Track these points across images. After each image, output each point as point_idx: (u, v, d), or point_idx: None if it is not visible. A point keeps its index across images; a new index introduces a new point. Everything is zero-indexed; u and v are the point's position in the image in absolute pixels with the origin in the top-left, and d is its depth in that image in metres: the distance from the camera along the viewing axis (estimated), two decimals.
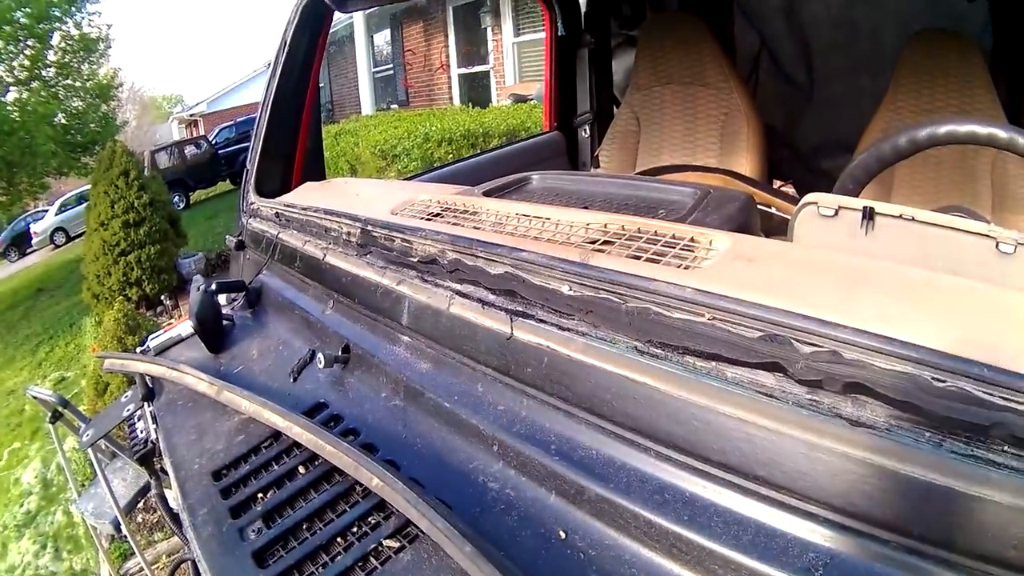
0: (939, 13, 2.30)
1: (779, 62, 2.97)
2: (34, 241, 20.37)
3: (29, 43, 12.34)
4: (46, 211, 21.06)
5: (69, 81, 13.46)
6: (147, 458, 1.40)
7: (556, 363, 0.87)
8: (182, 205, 16.33)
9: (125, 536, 1.63)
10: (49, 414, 1.47)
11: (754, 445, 0.68)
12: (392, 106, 15.35)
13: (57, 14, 12.62)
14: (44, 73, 12.98)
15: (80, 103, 13.76)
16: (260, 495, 0.97)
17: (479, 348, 0.98)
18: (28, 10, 11.64)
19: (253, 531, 0.90)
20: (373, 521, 0.87)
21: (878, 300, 0.70)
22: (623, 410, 0.79)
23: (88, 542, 4.50)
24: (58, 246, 19.91)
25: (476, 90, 13.38)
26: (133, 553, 3.78)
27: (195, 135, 24.13)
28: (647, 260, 0.87)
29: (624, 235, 0.97)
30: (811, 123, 2.87)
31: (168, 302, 7.02)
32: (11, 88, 12.52)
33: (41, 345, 9.21)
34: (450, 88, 14.05)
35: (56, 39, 13.03)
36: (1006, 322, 0.66)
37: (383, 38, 16.60)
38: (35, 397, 1.53)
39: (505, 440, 0.89)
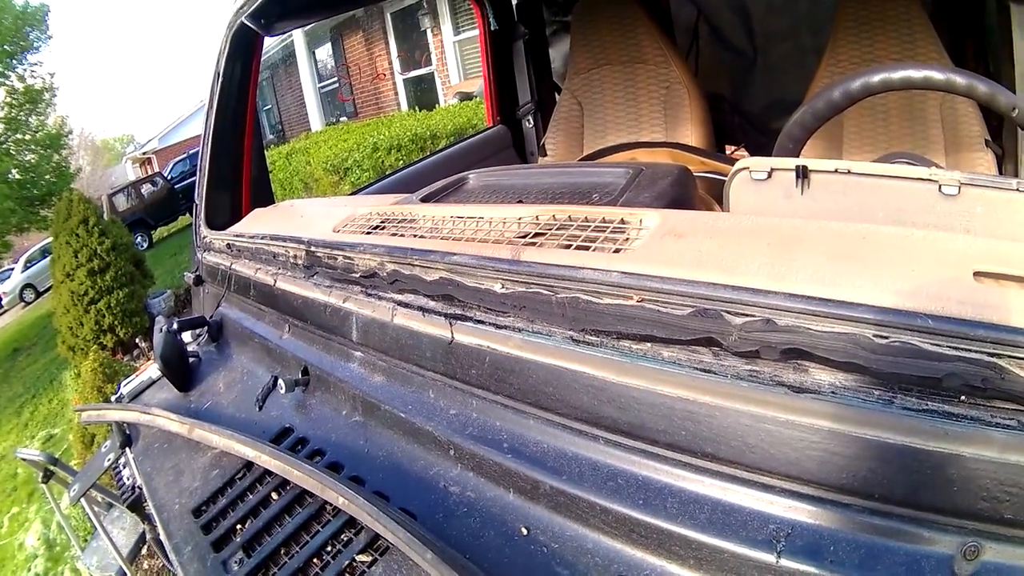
0: None
1: (718, 30, 2.98)
2: (3, 301, 19.74)
3: None
4: (12, 269, 20.50)
5: (19, 136, 13.30)
6: (137, 503, 1.40)
7: (498, 362, 0.88)
8: (145, 244, 16.16)
9: None
10: (40, 474, 1.47)
11: (699, 423, 0.69)
12: (341, 119, 15.35)
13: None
14: None
15: (32, 156, 13.61)
16: (239, 526, 0.99)
17: (425, 356, 0.99)
18: None
19: (235, 562, 0.92)
20: (345, 538, 0.88)
21: (812, 261, 0.70)
22: (567, 401, 0.80)
23: None
24: (28, 303, 19.34)
25: (422, 93, 13.45)
26: None
27: (150, 173, 23.80)
28: (577, 248, 0.88)
29: (555, 225, 0.98)
30: (758, 87, 2.89)
31: (144, 344, 6.94)
32: None
33: (25, 405, 9.05)
34: (396, 94, 14.11)
35: (1, 95, 12.89)
36: (949, 267, 0.65)
37: (325, 52, 16.62)
38: (24, 459, 1.52)
39: (460, 443, 0.90)
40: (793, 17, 2.65)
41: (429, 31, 12.60)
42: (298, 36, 15.31)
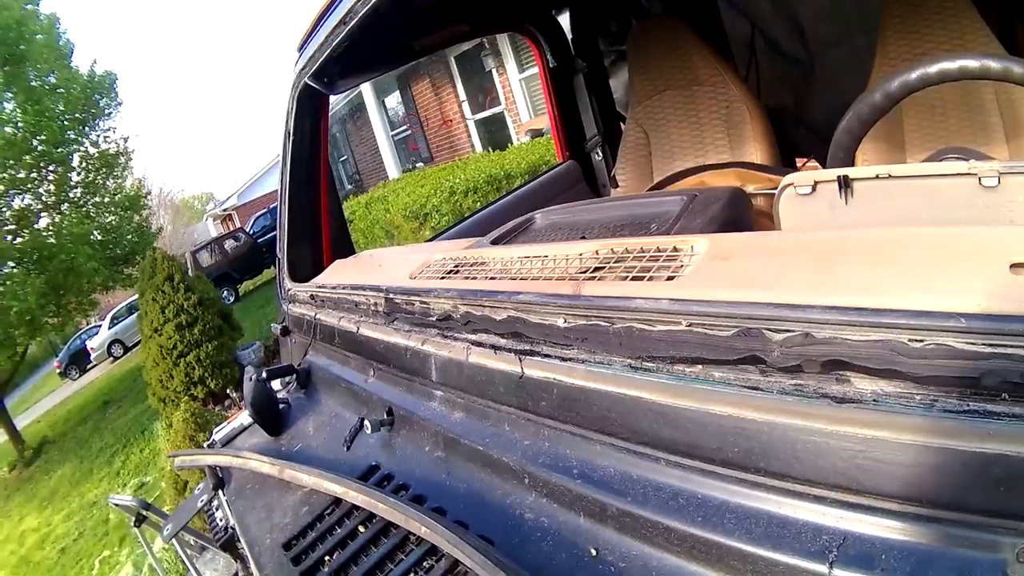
0: None
1: (774, 42, 2.97)
2: (92, 357, 20.81)
3: (51, 168, 12.79)
4: (99, 326, 21.56)
5: (97, 199, 13.84)
6: (230, 543, 1.48)
7: (564, 392, 0.92)
8: (232, 299, 16.81)
9: None
10: (133, 518, 1.57)
11: (750, 439, 0.71)
12: (418, 165, 15.71)
13: (72, 136, 13.08)
14: (71, 195, 13.39)
15: (113, 218, 14.09)
16: (327, 557, 1.06)
17: (499, 391, 1.05)
18: (43, 137, 12.09)
19: None
20: (427, 565, 0.94)
21: (850, 272, 0.72)
22: (628, 425, 0.84)
23: None
24: (116, 358, 20.36)
25: (494, 133, 13.74)
26: None
27: (231, 229, 24.84)
28: (633, 279, 0.92)
29: (613, 258, 1.02)
30: (818, 95, 2.86)
31: (235, 394, 7.22)
32: (42, 214, 12.97)
33: (116, 455, 9.56)
34: (469, 136, 14.43)
35: (76, 160, 13.48)
36: (984, 262, 0.65)
37: (395, 100, 17.11)
38: (116, 505, 1.62)
39: (533, 472, 0.94)
40: (842, 20, 2.63)
41: (494, 71, 12.90)
42: (366, 88, 15.84)
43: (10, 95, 11.59)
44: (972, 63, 1.00)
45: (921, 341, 0.60)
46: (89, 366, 21.70)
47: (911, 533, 0.62)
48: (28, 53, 11.97)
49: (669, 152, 2.62)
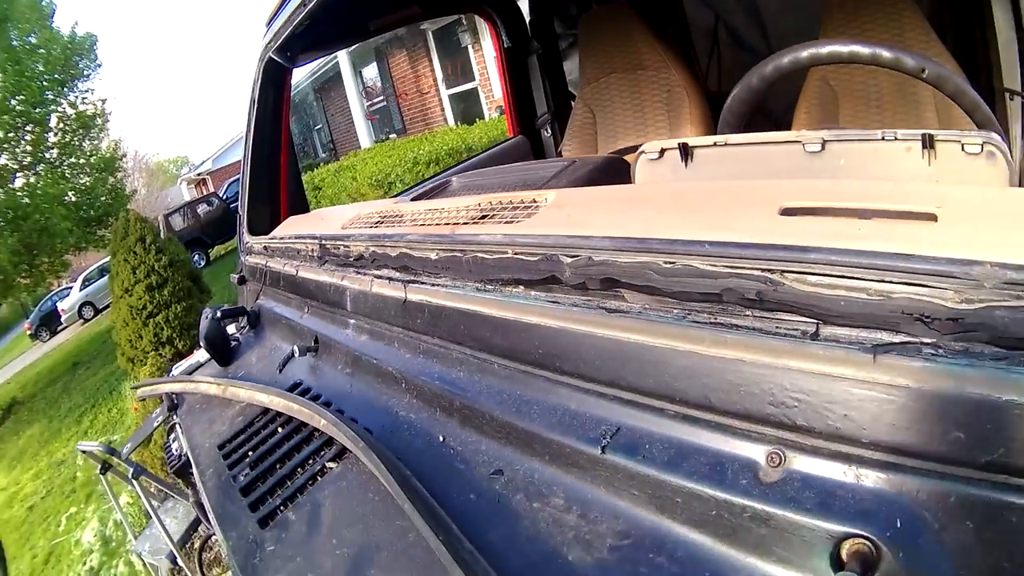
0: None
1: (735, 32, 3.14)
2: (63, 318, 20.74)
3: (28, 128, 12.88)
4: (71, 288, 21.42)
5: (73, 160, 13.95)
6: (183, 471, 1.67)
7: (433, 311, 1.14)
8: (203, 263, 16.75)
9: (182, 568, 1.85)
10: (99, 466, 1.70)
11: (550, 341, 0.91)
12: (391, 136, 15.78)
13: (51, 96, 13.21)
14: (48, 155, 13.49)
15: (87, 179, 14.21)
16: (250, 452, 1.28)
17: (391, 314, 1.26)
18: (22, 97, 12.24)
19: (242, 475, 1.21)
20: (323, 453, 1.16)
21: (644, 215, 0.90)
22: (472, 335, 1.05)
23: None
24: (87, 320, 20.28)
25: (468, 107, 13.88)
26: None
27: (205, 193, 24.64)
28: (495, 222, 1.13)
29: (489, 209, 1.23)
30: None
31: None
32: (17, 174, 13.07)
33: (85, 415, 9.63)
34: (443, 110, 14.55)
35: (54, 121, 13.60)
36: (760, 207, 0.77)
37: (371, 72, 17.07)
38: (84, 451, 1.75)
39: (408, 377, 1.17)
40: (803, 13, 2.77)
41: (470, 47, 13.10)
42: (343, 58, 15.87)
43: None
44: (842, 48, 1.11)
45: (672, 263, 0.76)
46: (60, 328, 21.56)
47: (671, 429, 0.75)
48: (11, 12, 11.99)
49: (613, 131, 2.81)
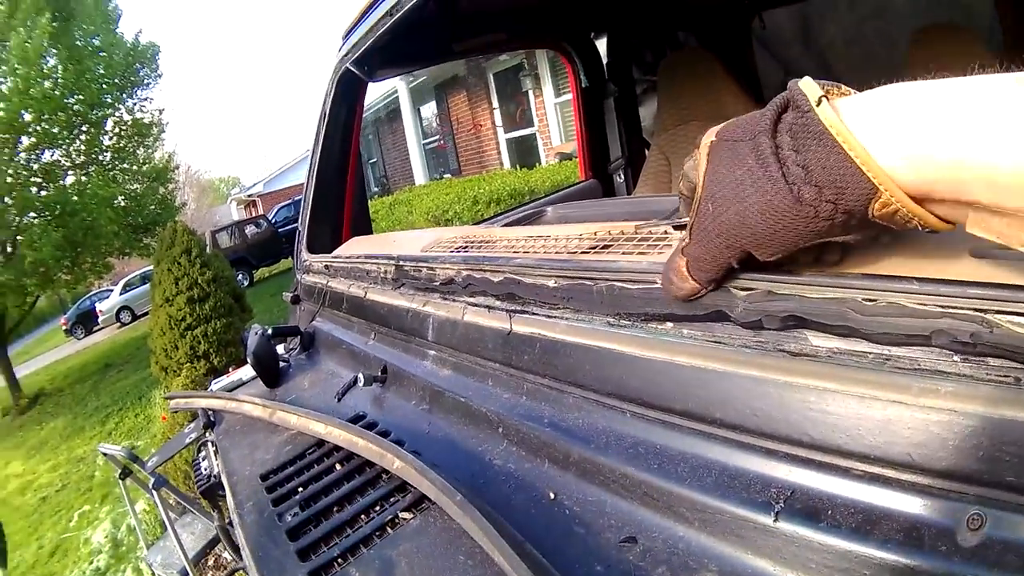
0: (944, 14, 2.35)
1: None
2: (100, 319, 21.24)
3: (84, 129, 13.03)
4: (111, 291, 21.97)
5: (125, 165, 14.05)
6: (210, 492, 1.52)
7: (546, 347, 0.98)
8: (246, 283, 16.97)
9: None
10: (119, 470, 1.61)
11: (709, 389, 0.75)
12: (445, 175, 15.96)
13: (109, 100, 13.36)
14: (100, 158, 13.61)
15: (138, 186, 14.31)
16: (300, 488, 1.10)
17: (487, 347, 1.10)
18: (80, 97, 12.37)
19: (290, 515, 1.03)
20: (394, 500, 0.98)
21: None
22: (600, 377, 0.89)
23: None
24: (124, 324, 20.72)
25: (524, 153, 13.88)
26: None
27: (254, 215, 25.04)
28: (624, 254, 0.98)
29: (610, 238, 1.08)
30: None
31: None
32: (69, 172, 13.21)
33: (111, 416, 9.69)
34: (499, 153, 14.59)
35: (110, 125, 13.73)
36: (937, 244, 0.64)
37: (429, 110, 17.38)
38: (105, 454, 1.66)
39: (508, 420, 1.00)
40: (873, 69, 2.67)
41: (531, 92, 13.10)
42: (403, 94, 16.20)
43: (54, 51, 11.87)
44: None
45: (873, 300, 0.62)
46: (96, 328, 22.08)
47: (857, 492, 0.63)
48: (77, 11, 12.32)
49: None
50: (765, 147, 0.58)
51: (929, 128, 0.48)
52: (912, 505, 0.59)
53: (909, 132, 0.49)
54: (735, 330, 0.74)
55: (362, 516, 0.97)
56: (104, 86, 13.09)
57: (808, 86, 0.54)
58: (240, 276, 15.64)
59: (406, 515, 0.94)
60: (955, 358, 0.58)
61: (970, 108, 0.46)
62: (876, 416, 0.61)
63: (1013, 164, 0.42)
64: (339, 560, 0.91)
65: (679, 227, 0.95)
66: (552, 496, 0.87)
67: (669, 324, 0.82)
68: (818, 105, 0.53)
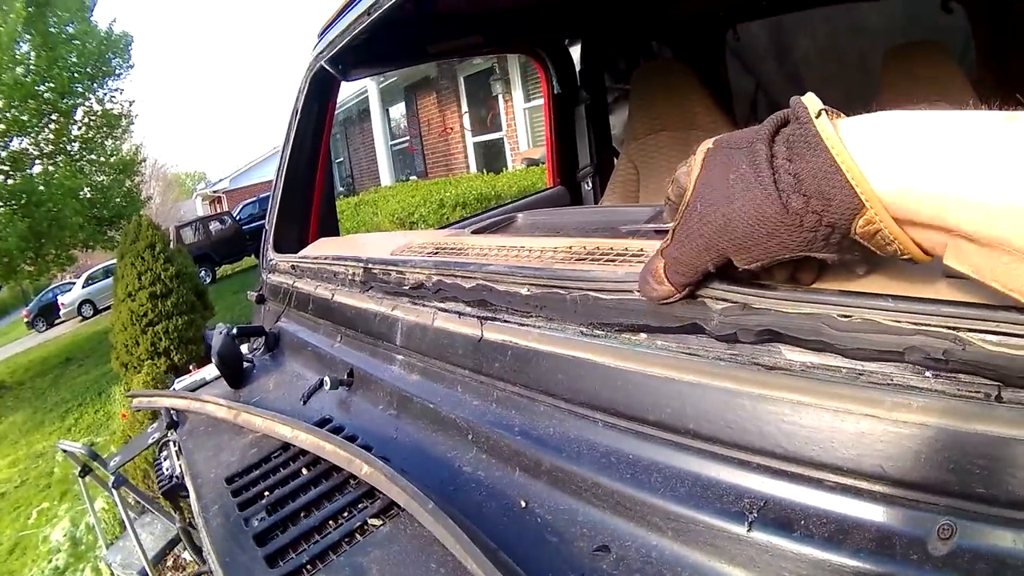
0: (918, 31, 2.40)
1: (776, 102, 3.09)
2: (62, 312, 20.99)
3: (53, 118, 12.75)
4: (73, 283, 21.72)
5: (93, 156, 13.81)
6: (172, 493, 1.49)
7: (518, 355, 0.97)
8: (208, 280, 16.77)
9: None
10: (79, 468, 1.56)
11: (683, 400, 0.75)
12: (411, 177, 15.91)
13: (80, 90, 13.11)
14: (69, 148, 13.35)
15: (105, 178, 14.04)
16: (267, 492, 1.08)
17: (457, 353, 1.09)
18: (51, 85, 12.13)
19: (257, 519, 1.01)
20: (362, 506, 0.97)
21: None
22: (572, 386, 0.89)
23: None
24: (86, 318, 20.39)
25: (491, 157, 13.88)
26: None
27: (219, 211, 24.84)
28: (597, 265, 0.98)
29: (584, 252, 1.08)
30: None
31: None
32: (37, 161, 12.95)
33: (71, 412, 9.49)
34: (466, 157, 14.57)
35: (79, 114, 13.48)
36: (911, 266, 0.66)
37: (398, 111, 17.28)
38: (64, 450, 1.62)
39: (478, 428, 0.99)
40: (846, 85, 2.74)
41: (501, 96, 13.08)
42: (373, 94, 16.07)
43: (28, 37, 11.63)
44: None
45: (848, 317, 0.63)
46: (57, 321, 21.75)
47: (830, 503, 0.64)
48: None
49: (656, 189, 2.69)
50: (760, 154, 0.59)
51: (921, 155, 0.50)
52: (884, 515, 0.60)
53: (902, 157, 0.51)
54: (710, 342, 0.75)
55: (330, 522, 0.96)
56: (76, 75, 12.85)
57: (810, 100, 0.56)
58: (203, 273, 15.52)
59: (375, 522, 0.93)
60: (927, 374, 0.59)
61: (962, 141, 0.48)
62: (850, 429, 0.62)
63: (1000, 198, 0.44)
64: (308, 566, 0.89)
65: (660, 232, 0.95)
66: (523, 504, 0.86)
67: (643, 335, 0.82)
68: (817, 117, 0.55)
